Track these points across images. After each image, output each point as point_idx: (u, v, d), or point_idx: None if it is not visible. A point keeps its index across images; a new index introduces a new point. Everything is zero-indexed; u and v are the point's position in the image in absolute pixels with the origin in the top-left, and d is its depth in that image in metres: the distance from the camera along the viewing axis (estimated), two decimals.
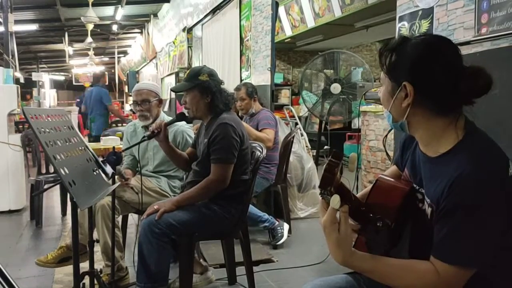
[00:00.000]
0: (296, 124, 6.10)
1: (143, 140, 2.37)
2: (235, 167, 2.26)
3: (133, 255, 2.48)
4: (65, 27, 11.35)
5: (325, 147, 7.06)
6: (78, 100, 11.49)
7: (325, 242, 1.08)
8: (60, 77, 22.86)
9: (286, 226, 3.44)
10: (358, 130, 4.35)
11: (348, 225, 1.05)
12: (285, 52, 10.07)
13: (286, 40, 7.86)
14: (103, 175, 1.88)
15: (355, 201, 1.08)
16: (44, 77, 17.63)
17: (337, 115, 6.71)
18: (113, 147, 2.03)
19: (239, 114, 3.65)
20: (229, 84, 4.69)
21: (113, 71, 17.77)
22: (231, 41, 5.79)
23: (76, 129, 1.88)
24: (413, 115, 1.12)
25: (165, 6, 9.53)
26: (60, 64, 19.08)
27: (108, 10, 9.81)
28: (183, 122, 2.65)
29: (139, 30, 13.05)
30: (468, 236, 1.01)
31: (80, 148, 1.78)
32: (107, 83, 7.39)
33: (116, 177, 2.03)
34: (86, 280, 1.89)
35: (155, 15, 10.66)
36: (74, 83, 18.70)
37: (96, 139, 6.24)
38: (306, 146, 5.05)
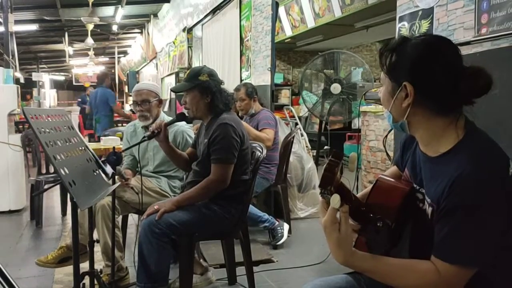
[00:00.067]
0: (296, 124, 6.10)
1: (143, 140, 2.37)
2: (235, 167, 2.26)
3: (133, 255, 2.48)
4: (65, 27, 11.35)
5: (325, 147, 7.06)
6: (79, 100, 11.50)
7: (325, 242, 1.08)
8: (60, 77, 22.87)
9: (286, 226, 3.44)
10: (358, 130, 4.35)
11: (348, 225, 1.06)
12: (285, 52, 10.07)
13: (286, 40, 7.86)
14: (103, 175, 1.88)
15: (355, 201, 1.08)
16: (44, 77, 17.65)
17: (337, 115, 6.71)
18: (113, 147, 2.03)
19: (239, 115, 3.65)
20: (229, 84, 4.68)
21: (113, 71, 17.78)
22: (231, 41, 5.79)
23: (76, 129, 1.88)
24: (413, 115, 1.12)
25: (165, 6, 9.53)
26: (60, 64, 19.08)
27: (108, 10, 9.81)
28: (183, 122, 2.65)
29: (139, 30, 13.05)
30: (469, 235, 1.01)
31: (80, 148, 1.78)
32: (110, 84, 7.40)
33: (116, 177, 2.03)
34: (86, 280, 1.89)
35: (155, 15, 10.66)
36: (74, 83, 18.73)
37: None
38: (306, 146, 5.05)
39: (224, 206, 2.27)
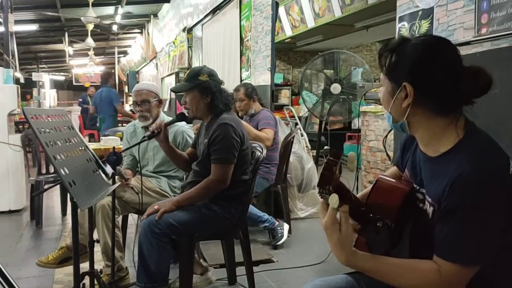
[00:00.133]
0: (296, 124, 6.10)
1: (143, 140, 2.37)
2: (235, 167, 2.26)
3: (132, 255, 2.48)
4: (65, 27, 11.35)
5: (325, 147, 7.06)
6: (80, 100, 11.47)
7: (325, 242, 1.08)
8: (60, 77, 22.87)
9: (286, 226, 3.44)
10: (358, 130, 4.35)
11: (349, 225, 1.06)
12: (285, 52, 10.07)
13: (286, 40, 7.86)
14: (103, 175, 1.88)
15: (354, 201, 1.08)
16: (44, 77, 17.65)
17: (337, 115, 6.71)
18: (113, 147, 2.03)
19: (239, 115, 3.65)
20: (229, 84, 4.68)
21: (113, 71, 17.76)
22: (231, 41, 5.79)
23: (76, 129, 1.88)
24: (413, 115, 1.12)
25: (165, 6, 9.53)
26: (60, 64, 19.08)
27: (108, 10, 9.81)
28: (183, 123, 2.64)
29: (139, 30, 13.05)
30: (470, 235, 1.01)
31: (80, 148, 1.78)
32: (114, 84, 7.41)
33: (116, 177, 2.03)
34: (86, 280, 1.89)
35: (155, 15, 10.66)
36: (74, 83, 18.72)
37: None
38: (306, 146, 5.05)
39: (224, 206, 2.27)
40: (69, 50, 13.44)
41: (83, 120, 11.12)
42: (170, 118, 2.68)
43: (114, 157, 1.97)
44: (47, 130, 1.56)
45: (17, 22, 8.00)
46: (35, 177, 4.24)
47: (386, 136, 2.40)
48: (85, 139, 4.00)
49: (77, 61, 16.97)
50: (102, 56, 17.26)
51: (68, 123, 1.79)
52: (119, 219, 2.67)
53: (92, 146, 3.36)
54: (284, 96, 9.40)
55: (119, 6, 9.12)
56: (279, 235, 3.34)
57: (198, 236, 2.27)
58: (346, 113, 6.58)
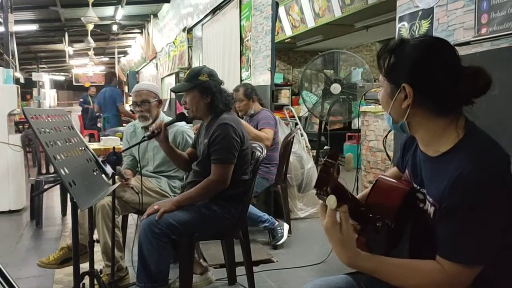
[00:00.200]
0: (296, 124, 6.10)
1: (143, 140, 2.37)
2: (235, 167, 2.26)
3: (131, 255, 2.48)
4: (65, 27, 11.34)
5: (325, 147, 7.07)
6: (81, 100, 11.47)
7: (325, 242, 1.08)
8: (60, 77, 22.87)
9: (286, 226, 3.44)
10: (358, 130, 4.35)
11: (349, 225, 1.06)
12: (285, 52, 10.07)
13: (286, 40, 7.86)
14: (103, 175, 1.88)
15: (353, 201, 1.08)
16: (44, 77, 17.64)
17: (337, 116, 6.71)
18: (113, 147, 2.03)
19: (238, 115, 3.65)
20: (229, 84, 4.68)
21: (113, 71, 17.77)
22: (231, 41, 5.79)
23: (76, 129, 1.88)
24: (413, 116, 1.12)
25: (165, 6, 9.53)
26: (60, 64, 19.08)
27: (108, 10, 9.81)
28: (183, 123, 2.65)
29: (139, 30, 13.05)
30: (471, 234, 1.02)
31: (80, 148, 1.78)
32: (118, 83, 7.42)
33: (116, 177, 2.03)
34: (86, 280, 1.89)
35: (155, 15, 10.66)
36: (74, 83, 18.72)
37: None
38: (306, 147, 5.05)
39: (224, 206, 2.27)
40: (69, 50, 13.44)
41: (83, 120, 11.13)
42: (170, 118, 2.68)
43: (114, 157, 1.97)
44: (47, 130, 1.56)
45: (17, 22, 7.99)
46: (35, 177, 4.24)
47: (386, 136, 2.41)
48: (85, 139, 4.00)
49: (77, 61, 16.97)
50: (102, 56, 17.26)
51: (68, 123, 1.79)
52: (119, 219, 2.67)
53: (92, 146, 3.36)
54: (284, 96, 9.40)
55: (119, 6, 9.12)
56: (279, 235, 3.34)
57: (198, 236, 2.27)
58: (346, 113, 6.59)
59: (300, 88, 7.06)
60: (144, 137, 2.35)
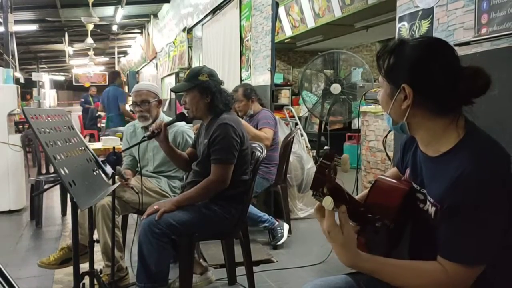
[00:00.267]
0: (296, 124, 6.10)
1: (143, 141, 2.37)
2: (235, 167, 2.26)
3: (130, 255, 2.48)
4: (65, 27, 11.35)
5: (325, 147, 7.06)
6: (83, 100, 11.47)
7: (325, 242, 1.07)
8: (60, 77, 22.86)
9: (286, 226, 3.44)
10: (358, 130, 4.35)
11: (350, 225, 1.06)
12: (285, 52, 10.06)
13: (286, 40, 7.85)
14: (103, 175, 1.88)
15: (351, 202, 1.08)
16: (44, 77, 17.64)
17: (337, 116, 6.71)
18: (113, 147, 2.03)
19: (238, 115, 3.65)
20: (229, 84, 4.68)
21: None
22: (231, 41, 5.79)
23: (76, 129, 1.88)
24: (413, 116, 1.12)
25: (165, 6, 9.53)
26: (60, 64, 19.08)
27: (108, 10, 9.81)
28: (183, 123, 2.65)
29: (139, 30, 13.05)
30: (472, 234, 1.02)
31: (80, 148, 1.78)
32: (122, 83, 7.41)
33: (116, 177, 2.03)
34: (86, 280, 1.89)
35: (155, 15, 10.66)
36: (74, 83, 18.70)
37: None
38: (306, 147, 5.05)
39: (224, 206, 2.27)
40: (69, 50, 13.44)
41: (83, 120, 11.13)
42: (170, 118, 2.68)
43: (114, 157, 1.97)
44: (47, 130, 1.56)
45: (17, 22, 8.00)
46: (35, 177, 4.24)
47: (386, 136, 2.41)
48: (85, 139, 4.00)
49: (77, 61, 16.97)
50: (102, 56, 17.25)
51: (68, 123, 1.79)
52: (119, 219, 2.67)
53: (92, 146, 3.36)
54: (284, 96, 9.40)
55: (119, 6, 9.12)
56: (279, 235, 3.34)
57: (198, 236, 2.27)
58: (346, 113, 6.58)
59: (300, 88, 7.06)
60: (144, 137, 2.35)
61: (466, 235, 1.02)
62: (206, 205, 2.25)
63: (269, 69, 4.53)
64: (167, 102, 9.56)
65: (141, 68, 15.69)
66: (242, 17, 5.42)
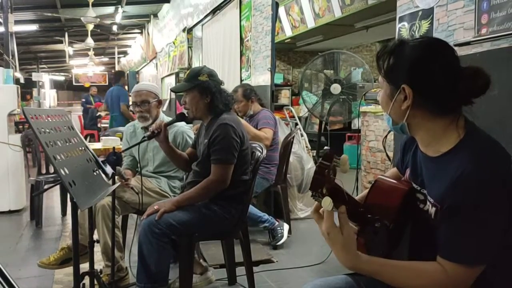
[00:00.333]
0: (296, 124, 6.10)
1: (143, 141, 2.37)
2: (235, 167, 2.26)
3: (129, 255, 2.48)
4: (65, 27, 11.35)
5: (325, 147, 7.06)
6: (84, 100, 11.47)
7: (325, 242, 1.07)
8: (60, 77, 22.87)
9: (286, 227, 3.44)
10: (358, 130, 4.35)
11: (349, 226, 1.05)
12: (285, 52, 10.07)
13: (286, 41, 7.86)
14: (103, 175, 1.88)
15: (351, 202, 1.08)
16: (44, 77, 17.64)
17: (337, 116, 6.71)
18: (113, 148, 2.03)
19: (238, 116, 3.64)
20: (229, 84, 4.68)
21: (113, 71, 17.75)
22: (231, 42, 5.79)
23: (76, 129, 1.88)
24: (413, 117, 1.12)
25: (165, 6, 9.53)
26: (60, 65, 19.08)
27: (108, 10, 9.81)
28: (183, 123, 2.65)
29: (139, 30, 13.05)
30: (472, 234, 1.02)
31: (80, 148, 1.78)
32: (125, 83, 7.42)
33: (116, 177, 2.03)
34: (86, 280, 1.89)
35: (155, 15, 10.66)
36: (74, 84, 18.71)
37: None
38: (306, 147, 5.05)
39: (224, 206, 2.27)
40: (69, 50, 13.44)
41: (83, 120, 11.13)
42: (170, 119, 2.68)
43: (114, 157, 1.97)
44: (47, 130, 1.56)
45: (17, 22, 8.00)
46: (35, 177, 4.24)
47: (386, 136, 2.41)
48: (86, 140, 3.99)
49: (77, 61, 16.97)
50: (102, 56, 17.26)
51: (68, 123, 1.79)
52: (119, 219, 2.67)
53: (91, 146, 3.36)
54: (284, 96, 9.40)
55: (119, 6, 9.12)
56: (279, 235, 3.34)
57: (198, 236, 2.27)
58: (346, 113, 6.58)
59: (300, 88, 7.06)
60: (144, 137, 2.35)
61: (466, 235, 1.02)
62: (206, 205, 2.25)
63: (269, 69, 4.53)
64: (167, 102, 9.56)
65: (141, 68, 15.69)
66: (242, 17, 5.42)
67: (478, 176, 1.01)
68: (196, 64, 7.93)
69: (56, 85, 23.78)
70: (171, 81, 9.92)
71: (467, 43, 2.21)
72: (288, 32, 7.11)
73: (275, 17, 4.64)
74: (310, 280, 1.28)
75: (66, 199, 4.30)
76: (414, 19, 2.60)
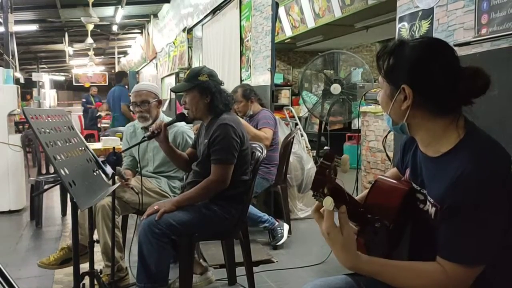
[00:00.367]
0: (296, 124, 6.10)
1: (143, 141, 2.37)
2: (235, 167, 2.26)
3: (129, 255, 2.48)
4: (65, 27, 11.35)
5: (325, 147, 7.06)
6: (84, 100, 11.47)
7: (325, 242, 1.07)
8: (60, 77, 22.86)
9: (286, 227, 3.44)
10: (358, 130, 4.35)
11: (349, 227, 1.05)
12: (285, 52, 10.07)
13: (286, 41, 7.86)
14: (103, 175, 1.88)
15: (351, 202, 1.08)
16: (44, 78, 17.62)
17: (337, 116, 6.71)
18: (113, 148, 2.03)
19: (238, 116, 3.65)
20: (229, 84, 4.68)
21: (113, 71, 17.76)
22: (231, 42, 5.79)
23: (76, 129, 1.88)
24: (412, 117, 1.12)
25: (165, 6, 9.53)
26: (60, 65, 19.08)
27: (108, 10, 9.82)
28: (183, 123, 2.65)
29: (139, 31, 13.05)
30: (472, 234, 1.02)
31: (80, 148, 1.78)
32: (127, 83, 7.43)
33: (116, 177, 2.03)
34: (86, 280, 1.89)
35: (155, 16, 10.66)
36: (74, 84, 18.70)
37: None
38: (306, 147, 5.05)
39: (224, 207, 2.27)
40: (69, 50, 13.44)
41: (83, 120, 11.14)
42: (170, 119, 2.68)
43: (114, 157, 1.97)
44: (47, 131, 1.56)
45: (17, 22, 8.00)
46: (35, 177, 4.24)
47: (386, 136, 2.41)
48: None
49: (77, 61, 16.97)
50: (102, 56, 17.26)
51: (68, 123, 1.79)
52: (119, 219, 2.67)
53: (91, 146, 3.36)
54: (284, 97, 9.40)
55: (119, 6, 9.12)
56: (279, 235, 3.34)
57: (198, 236, 2.27)
58: (346, 114, 6.58)
59: (300, 89, 7.06)
60: (144, 137, 2.35)
61: (466, 235, 1.02)
62: (206, 205, 2.25)
63: (269, 69, 4.53)
64: (167, 102, 9.56)
65: (141, 68, 15.69)
66: (242, 17, 5.42)
67: (478, 176, 1.01)
68: (196, 64, 7.94)
69: (56, 85, 23.77)
70: (171, 81, 9.92)
71: (467, 43, 2.21)
72: (288, 32, 7.11)
73: (275, 17, 4.64)
74: (310, 280, 1.28)
75: (66, 199, 4.30)
76: (414, 19, 2.60)
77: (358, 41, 8.96)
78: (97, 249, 2.35)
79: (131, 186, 2.60)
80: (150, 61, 13.14)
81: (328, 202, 0.99)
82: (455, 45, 2.20)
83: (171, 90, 2.54)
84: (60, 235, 3.79)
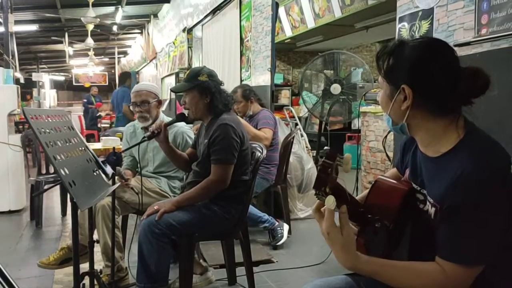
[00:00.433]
0: (296, 124, 6.10)
1: (143, 141, 2.37)
2: (235, 167, 2.26)
3: (129, 255, 2.48)
4: (65, 27, 11.35)
5: (325, 147, 7.04)
6: (85, 100, 11.48)
7: (325, 242, 1.07)
8: (60, 77, 22.86)
9: (286, 227, 3.44)
10: (358, 130, 4.35)
11: (349, 227, 1.05)
12: (285, 52, 10.07)
13: (286, 41, 7.86)
14: (103, 175, 1.88)
15: (352, 202, 1.08)
16: (44, 78, 17.62)
17: (337, 116, 6.71)
18: (113, 148, 2.03)
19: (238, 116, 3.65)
20: (229, 84, 4.68)
21: (113, 71, 17.76)
22: (231, 42, 5.79)
23: (76, 129, 1.88)
24: (412, 117, 1.12)
25: (165, 6, 9.54)
26: (60, 65, 19.07)
27: (108, 11, 9.82)
28: (183, 123, 2.65)
29: (139, 31, 13.05)
30: (472, 235, 1.02)
31: (80, 148, 1.78)
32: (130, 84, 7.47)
33: (116, 177, 2.03)
34: (86, 280, 1.89)
35: (155, 16, 10.67)
36: (74, 84, 18.71)
37: None
38: (306, 147, 5.05)
39: (224, 207, 2.27)
40: (69, 50, 13.44)
41: (84, 120, 11.14)
42: (170, 119, 2.68)
43: (114, 157, 1.97)
44: (47, 131, 1.56)
45: (17, 22, 8.00)
46: (35, 177, 4.24)
47: (386, 136, 2.41)
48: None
49: (77, 61, 16.97)
50: (102, 56, 17.25)
51: (68, 124, 1.79)
52: (119, 219, 2.67)
53: (91, 146, 3.36)
54: (284, 97, 9.40)
55: (119, 6, 9.12)
56: (279, 235, 3.34)
57: (198, 236, 2.27)
58: (346, 114, 6.58)
59: (300, 89, 7.06)
60: (144, 137, 2.35)
61: (466, 235, 1.02)
62: (206, 206, 2.25)
63: (269, 70, 4.53)
64: (167, 102, 9.56)
65: (141, 68, 15.69)
66: (242, 17, 5.42)
67: (478, 176, 1.01)
68: (196, 64, 7.94)
69: (56, 85, 23.77)
70: (171, 81, 9.92)
71: (467, 44, 2.21)
72: (288, 32, 7.11)
73: (275, 17, 4.64)
74: (310, 280, 1.28)
75: (66, 199, 4.30)
76: (414, 20, 2.60)
77: (358, 41, 8.96)
78: (97, 249, 2.35)
79: (131, 186, 2.60)
80: (150, 61, 13.14)
81: (330, 201, 0.99)
82: (455, 45, 2.20)
83: (171, 90, 2.54)
84: (60, 235, 3.79)
